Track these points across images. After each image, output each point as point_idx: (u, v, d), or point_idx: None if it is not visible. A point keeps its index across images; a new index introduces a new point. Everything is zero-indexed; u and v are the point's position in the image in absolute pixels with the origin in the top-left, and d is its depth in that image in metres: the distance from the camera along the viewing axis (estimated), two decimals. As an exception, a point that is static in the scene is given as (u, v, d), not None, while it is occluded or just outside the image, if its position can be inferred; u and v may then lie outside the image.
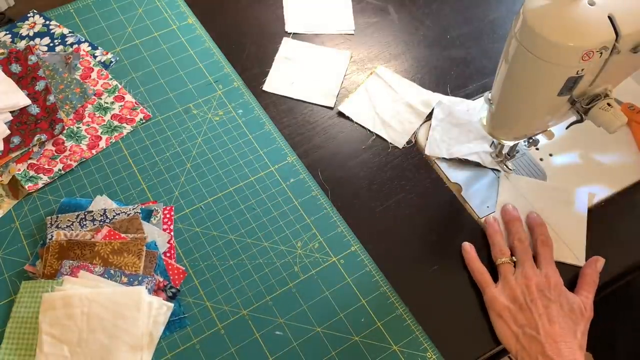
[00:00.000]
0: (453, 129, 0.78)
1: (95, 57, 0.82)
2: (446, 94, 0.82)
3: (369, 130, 0.78)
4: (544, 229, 0.68)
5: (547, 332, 0.60)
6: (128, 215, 0.67)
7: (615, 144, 0.76)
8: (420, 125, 0.79)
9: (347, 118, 0.79)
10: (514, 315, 0.62)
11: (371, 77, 0.83)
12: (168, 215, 0.69)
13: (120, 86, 0.79)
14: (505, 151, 0.75)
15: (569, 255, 0.69)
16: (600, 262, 0.67)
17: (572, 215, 0.72)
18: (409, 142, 0.77)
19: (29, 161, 0.72)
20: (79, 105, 0.77)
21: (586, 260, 0.68)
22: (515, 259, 0.66)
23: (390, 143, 0.77)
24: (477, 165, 0.76)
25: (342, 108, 0.80)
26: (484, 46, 0.88)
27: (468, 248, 0.68)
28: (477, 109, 0.80)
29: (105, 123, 0.76)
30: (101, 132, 0.75)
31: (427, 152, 0.76)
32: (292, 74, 0.83)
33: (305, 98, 0.81)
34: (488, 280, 0.65)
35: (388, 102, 0.81)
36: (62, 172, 0.72)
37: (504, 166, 0.75)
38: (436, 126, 0.78)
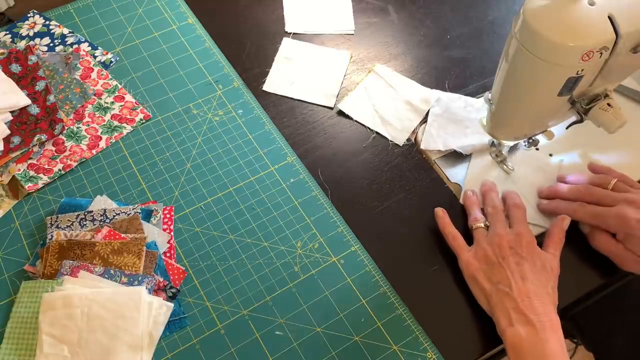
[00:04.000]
0: (450, 125, 0.78)
1: (95, 57, 0.82)
2: (445, 91, 0.82)
3: (369, 129, 0.78)
4: (516, 195, 0.70)
5: (520, 289, 0.60)
6: (128, 215, 0.67)
7: (615, 144, 0.76)
8: (420, 122, 0.79)
9: (347, 117, 0.79)
10: (487, 274, 0.63)
11: (370, 75, 0.83)
12: (168, 215, 0.69)
13: (120, 86, 0.79)
14: (505, 151, 0.75)
15: (537, 217, 0.71)
16: (566, 220, 0.67)
17: (542, 179, 0.74)
18: (408, 140, 0.78)
19: (29, 161, 0.72)
20: (79, 105, 0.77)
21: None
22: (488, 224, 0.67)
23: (391, 141, 0.77)
24: (477, 165, 0.76)
25: (341, 106, 0.80)
26: (484, 46, 0.88)
27: (441, 213, 0.69)
28: (475, 105, 0.80)
29: (105, 123, 0.76)
30: (101, 132, 0.75)
31: (422, 146, 0.76)
32: (292, 74, 0.83)
33: (305, 98, 0.81)
34: (462, 245, 0.66)
35: (387, 99, 0.81)
36: (62, 172, 0.72)
37: (504, 166, 0.75)
38: (433, 122, 0.78)
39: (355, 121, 0.79)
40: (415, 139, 0.78)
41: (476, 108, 0.80)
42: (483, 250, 0.64)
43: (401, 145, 0.77)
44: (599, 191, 0.68)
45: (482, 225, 0.67)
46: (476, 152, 0.76)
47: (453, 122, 0.78)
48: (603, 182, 0.69)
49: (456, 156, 0.76)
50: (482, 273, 0.63)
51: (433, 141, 0.76)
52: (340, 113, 0.80)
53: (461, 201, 0.73)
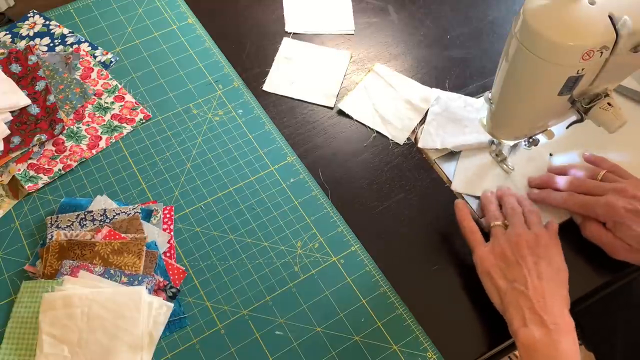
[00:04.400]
0: (449, 124, 0.78)
1: (95, 57, 0.82)
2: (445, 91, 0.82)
3: (369, 128, 0.78)
4: (530, 202, 0.70)
5: (536, 289, 0.60)
6: (128, 215, 0.67)
7: (615, 144, 0.76)
8: (420, 121, 0.79)
9: (347, 117, 0.79)
10: (503, 272, 0.63)
11: (369, 74, 0.83)
12: (168, 215, 0.69)
13: (120, 86, 0.79)
14: (505, 151, 0.75)
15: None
16: (556, 225, 0.68)
17: (533, 170, 0.75)
18: (408, 139, 0.78)
19: (29, 161, 0.72)
20: (79, 105, 0.77)
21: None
22: (507, 223, 0.67)
23: (391, 140, 0.77)
24: (477, 165, 0.76)
25: (341, 106, 0.80)
26: (484, 46, 0.88)
27: (461, 206, 0.69)
28: (474, 105, 0.80)
29: (105, 123, 0.76)
30: (101, 132, 0.75)
31: (420, 144, 0.76)
32: (292, 74, 0.83)
33: (305, 98, 0.81)
34: (479, 239, 0.66)
35: (387, 99, 0.81)
36: (62, 172, 0.72)
37: (504, 165, 0.75)
38: (432, 120, 0.78)
39: (356, 121, 0.79)
40: (415, 138, 0.78)
41: (475, 108, 0.80)
42: (501, 248, 0.64)
43: (401, 144, 0.77)
44: (589, 182, 0.69)
45: (501, 223, 0.67)
46: (466, 149, 0.76)
47: (452, 121, 0.78)
48: (593, 173, 0.70)
49: (456, 156, 0.76)
50: (498, 270, 0.63)
51: (431, 140, 0.76)
52: (340, 113, 0.80)
53: (452, 188, 0.73)
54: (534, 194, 0.72)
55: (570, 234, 0.70)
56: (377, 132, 0.78)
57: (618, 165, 0.71)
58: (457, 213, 0.69)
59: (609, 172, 0.70)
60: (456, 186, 0.73)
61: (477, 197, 0.73)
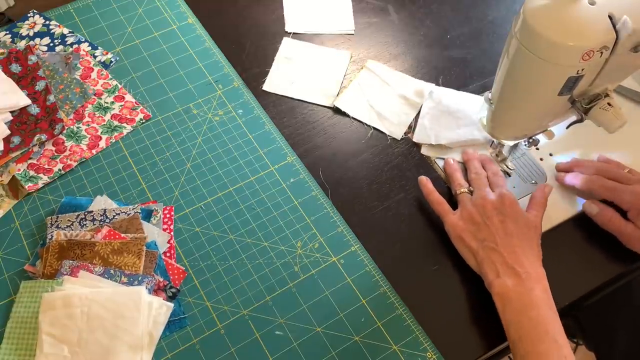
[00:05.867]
0: (443, 117, 0.78)
1: (95, 57, 0.82)
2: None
3: (366, 125, 0.78)
4: (495, 164, 0.73)
5: (505, 244, 0.63)
6: (128, 215, 0.67)
7: (615, 144, 0.76)
8: (416, 116, 0.79)
9: (347, 116, 0.79)
10: (474, 234, 0.65)
11: (362, 71, 0.83)
12: (168, 215, 0.69)
13: (120, 86, 0.79)
14: (505, 151, 0.75)
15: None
16: (548, 187, 0.70)
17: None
18: (405, 134, 0.78)
19: (29, 161, 0.72)
20: (79, 105, 0.77)
21: None
22: (472, 189, 0.69)
23: (389, 135, 0.77)
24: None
25: (337, 103, 0.80)
26: (484, 46, 0.88)
27: (424, 181, 0.71)
28: (468, 98, 0.80)
29: (105, 123, 0.76)
30: (101, 132, 0.75)
31: (415, 139, 0.77)
32: (292, 73, 0.83)
33: (305, 98, 0.81)
34: (447, 209, 0.68)
35: (382, 95, 0.81)
36: (62, 172, 0.72)
37: (504, 166, 0.75)
38: (426, 114, 0.78)
39: (353, 118, 0.79)
40: (414, 136, 0.78)
41: (469, 100, 0.80)
42: (468, 212, 0.66)
43: (399, 139, 0.77)
44: (617, 170, 0.71)
45: (466, 190, 0.69)
46: (461, 145, 0.77)
47: (446, 114, 0.78)
48: (619, 166, 0.72)
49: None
50: (469, 233, 0.65)
51: (426, 134, 0.77)
52: (339, 112, 0.80)
53: (422, 152, 0.75)
54: (562, 176, 0.73)
55: (571, 234, 0.70)
56: (375, 128, 0.78)
57: (636, 170, 0.73)
58: (422, 189, 0.71)
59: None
60: (425, 150, 0.76)
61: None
